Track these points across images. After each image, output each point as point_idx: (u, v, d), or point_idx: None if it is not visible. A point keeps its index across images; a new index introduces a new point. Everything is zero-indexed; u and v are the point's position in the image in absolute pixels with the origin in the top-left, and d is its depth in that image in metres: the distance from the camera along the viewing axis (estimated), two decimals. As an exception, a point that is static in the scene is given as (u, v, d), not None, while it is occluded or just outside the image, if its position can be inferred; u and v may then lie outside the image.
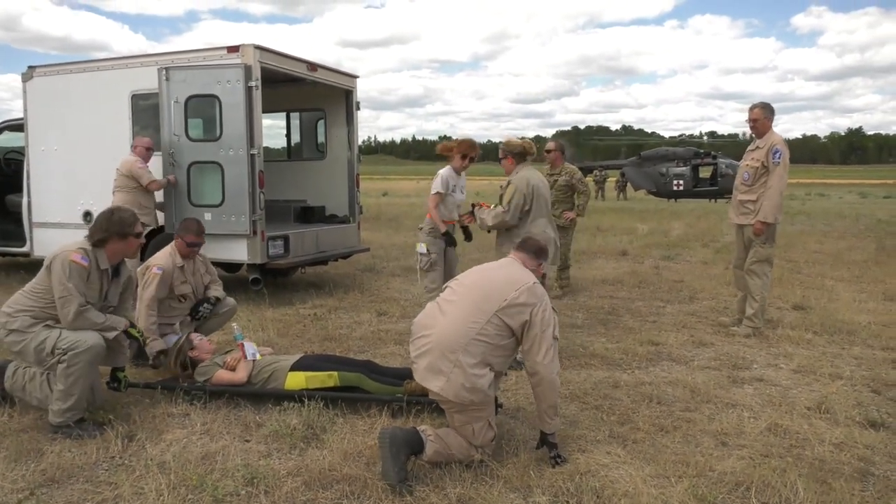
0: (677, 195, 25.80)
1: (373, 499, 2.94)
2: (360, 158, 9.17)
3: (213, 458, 3.33)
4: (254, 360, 4.21)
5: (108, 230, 3.75)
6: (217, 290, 5.03)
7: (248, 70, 6.70)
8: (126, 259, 3.99)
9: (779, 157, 5.63)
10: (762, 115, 5.82)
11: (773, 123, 5.87)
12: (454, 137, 5.81)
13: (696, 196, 25.71)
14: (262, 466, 3.20)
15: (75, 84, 7.81)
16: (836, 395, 4.22)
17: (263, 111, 7.02)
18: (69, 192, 7.81)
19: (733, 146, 36.87)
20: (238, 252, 6.97)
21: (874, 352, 5.35)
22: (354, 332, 6.01)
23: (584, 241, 12.55)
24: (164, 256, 4.79)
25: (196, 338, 4.52)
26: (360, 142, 9.13)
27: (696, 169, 25.49)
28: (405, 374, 3.99)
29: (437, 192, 5.36)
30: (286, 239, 7.32)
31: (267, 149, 8.31)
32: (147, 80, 7.15)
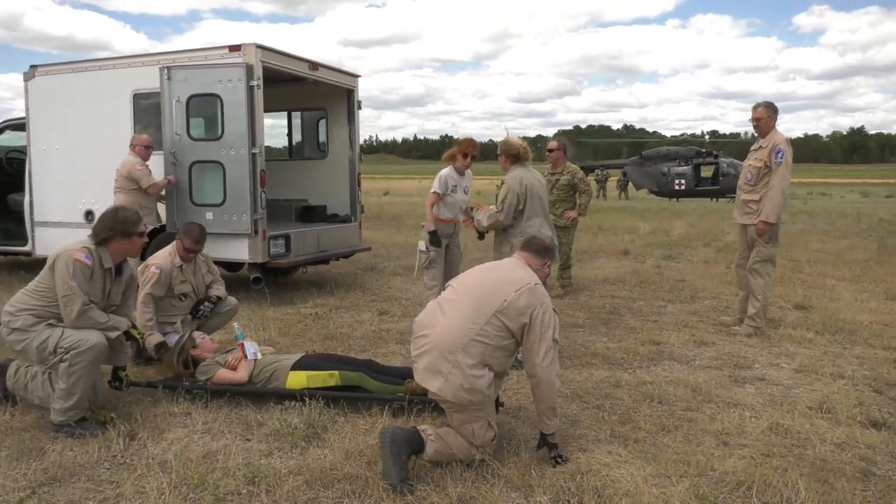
0: (679, 194, 25.80)
1: (374, 498, 2.94)
2: (362, 158, 9.17)
3: (214, 457, 3.33)
4: (255, 360, 4.21)
5: (113, 229, 3.75)
6: (219, 290, 5.03)
7: (249, 69, 6.70)
8: (128, 258, 3.99)
9: (781, 157, 5.61)
10: (765, 115, 5.80)
11: (776, 123, 5.86)
12: (456, 137, 5.85)
13: (697, 195, 25.70)
14: (264, 465, 3.20)
15: (77, 83, 7.82)
16: (837, 394, 4.21)
17: (265, 110, 7.02)
18: (71, 192, 7.82)
19: (735, 145, 36.80)
20: (239, 251, 6.97)
21: (876, 351, 5.34)
22: (356, 331, 6.01)
23: (586, 241, 12.55)
24: (164, 256, 4.80)
25: (198, 336, 4.53)
26: (361, 141, 9.13)
27: (698, 168, 25.48)
28: (406, 374, 3.98)
29: (434, 192, 5.50)
30: (287, 238, 7.33)
31: (268, 148, 8.33)
32: (149, 80, 7.16)
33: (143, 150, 6.82)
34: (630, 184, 29.58)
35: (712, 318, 6.52)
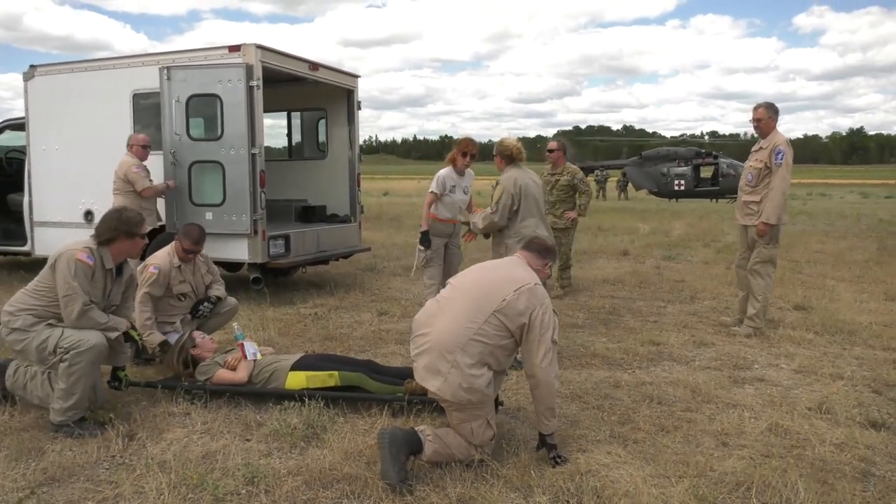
0: (678, 195, 25.79)
1: (373, 498, 2.94)
2: (362, 158, 9.17)
3: (213, 458, 3.33)
4: (254, 360, 4.21)
5: (118, 229, 3.76)
6: (218, 290, 5.03)
7: (249, 69, 6.70)
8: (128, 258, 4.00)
9: (781, 158, 5.61)
10: (766, 115, 5.80)
11: (777, 123, 5.86)
12: (455, 137, 5.89)
13: (697, 196, 25.68)
14: (263, 465, 3.20)
15: (77, 83, 7.82)
16: (836, 395, 4.21)
17: (265, 110, 7.02)
18: (70, 192, 7.82)
19: (735, 146, 36.81)
20: (239, 251, 6.97)
21: (875, 352, 5.34)
22: (355, 331, 6.01)
23: (586, 241, 12.55)
24: (163, 256, 4.80)
25: (198, 336, 4.53)
26: (361, 141, 9.13)
27: (698, 169, 25.47)
28: (406, 374, 3.98)
29: (432, 192, 5.56)
30: (287, 238, 7.33)
31: (268, 148, 8.32)
32: (148, 80, 7.16)
33: (141, 151, 6.80)
34: (630, 184, 29.58)
35: (712, 318, 6.52)
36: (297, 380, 4.05)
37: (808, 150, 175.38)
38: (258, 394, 4.10)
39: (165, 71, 6.92)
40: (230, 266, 7.96)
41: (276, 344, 5.41)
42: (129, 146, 6.83)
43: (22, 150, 8.70)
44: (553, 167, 7.58)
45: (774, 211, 5.64)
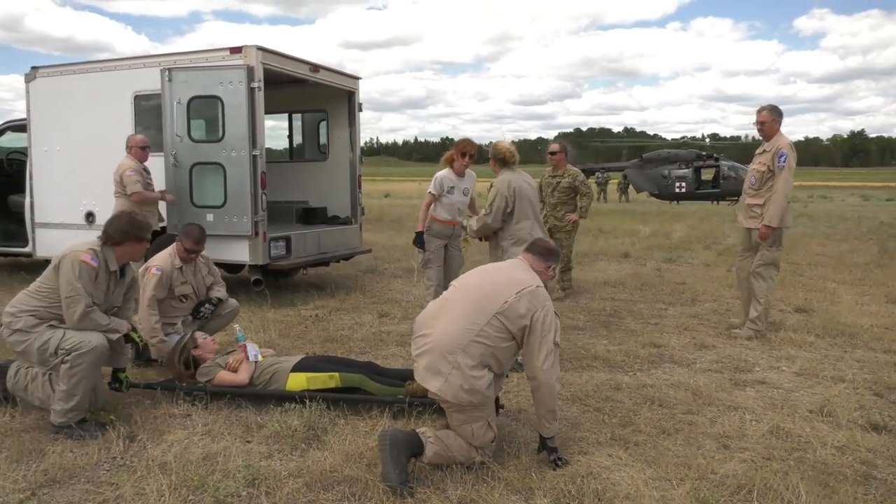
0: (679, 197, 25.75)
1: (374, 500, 2.94)
2: (362, 160, 9.18)
3: (214, 459, 3.33)
4: (255, 362, 4.21)
5: (128, 233, 3.78)
6: (219, 292, 5.04)
7: (250, 71, 6.72)
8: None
9: (784, 161, 5.60)
10: (770, 118, 5.79)
11: (781, 126, 5.85)
12: (456, 139, 5.90)
13: (698, 198, 25.64)
14: (264, 467, 3.19)
15: (78, 85, 7.83)
16: (838, 398, 4.21)
17: (266, 112, 7.03)
18: (71, 193, 7.83)
19: (736, 148, 36.84)
20: (240, 253, 6.97)
21: (876, 355, 5.34)
22: (356, 333, 6.01)
23: (587, 243, 12.55)
24: (164, 257, 4.80)
25: (200, 336, 4.53)
26: (362, 143, 9.14)
27: (699, 171, 25.44)
28: (407, 376, 3.98)
29: (430, 193, 5.59)
30: (288, 240, 7.33)
31: (269, 150, 8.33)
32: (150, 81, 7.17)
33: (139, 152, 6.78)
34: (630, 186, 29.58)
35: (713, 321, 6.51)
36: (297, 381, 4.05)
37: (809, 153, 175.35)
38: (259, 395, 4.10)
39: (167, 72, 6.93)
40: (231, 268, 7.96)
41: (277, 345, 5.41)
42: (128, 147, 6.81)
43: (23, 152, 8.72)
44: (554, 169, 7.59)
45: (777, 214, 5.63)
